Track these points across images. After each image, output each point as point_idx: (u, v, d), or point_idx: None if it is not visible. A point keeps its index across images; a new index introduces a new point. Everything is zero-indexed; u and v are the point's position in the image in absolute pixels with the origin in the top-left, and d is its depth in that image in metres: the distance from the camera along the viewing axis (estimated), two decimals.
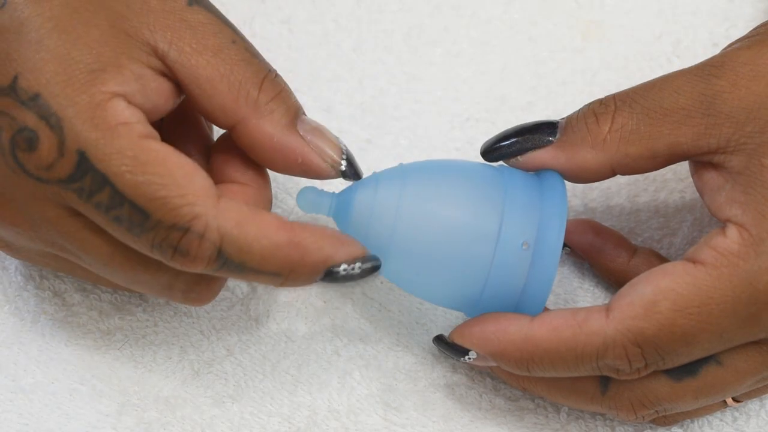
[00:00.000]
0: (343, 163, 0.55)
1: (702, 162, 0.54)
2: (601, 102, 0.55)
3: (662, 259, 0.61)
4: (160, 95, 0.53)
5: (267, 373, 0.61)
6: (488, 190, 0.54)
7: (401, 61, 0.66)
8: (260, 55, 0.54)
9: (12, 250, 0.56)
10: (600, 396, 0.56)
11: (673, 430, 0.60)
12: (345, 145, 0.55)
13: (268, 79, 0.54)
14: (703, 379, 0.54)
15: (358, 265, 0.54)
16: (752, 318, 0.52)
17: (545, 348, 0.53)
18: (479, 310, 0.55)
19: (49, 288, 0.62)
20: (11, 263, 0.62)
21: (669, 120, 0.53)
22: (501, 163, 0.57)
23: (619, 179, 0.64)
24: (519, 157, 0.56)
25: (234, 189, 0.55)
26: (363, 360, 0.61)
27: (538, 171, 0.56)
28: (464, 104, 0.66)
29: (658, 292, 0.52)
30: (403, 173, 0.55)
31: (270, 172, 0.56)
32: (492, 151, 0.56)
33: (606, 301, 0.57)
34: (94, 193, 0.50)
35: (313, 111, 0.64)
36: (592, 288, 0.63)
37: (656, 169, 0.55)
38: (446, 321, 0.62)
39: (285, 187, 0.64)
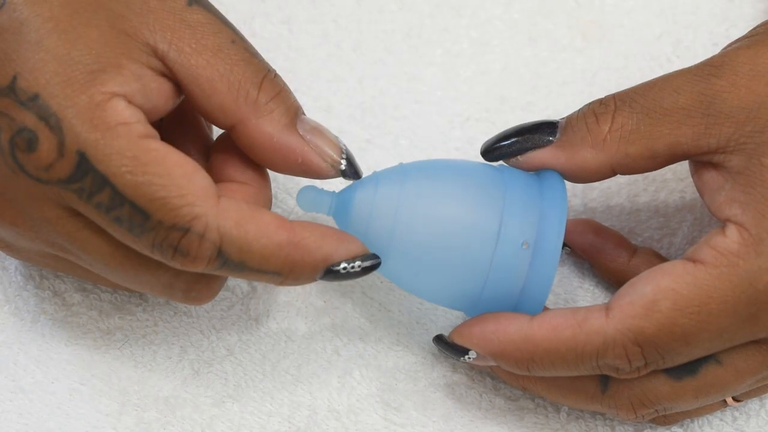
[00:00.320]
0: (343, 162, 0.55)
1: (702, 162, 0.54)
2: (601, 102, 0.55)
3: (662, 259, 0.61)
4: (160, 96, 0.53)
5: (267, 373, 0.61)
6: (488, 190, 0.54)
7: (401, 61, 0.66)
8: (260, 54, 0.54)
9: (12, 250, 0.56)
10: (600, 395, 0.56)
11: (673, 429, 0.60)
12: (345, 145, 0.55)
13: (267, 78, 0.54)
14: (702, 378, 0.54)
15: (358, 263, 0.54)
16: (752, 318, 0.52)
17: (545, 347, 0.53)
18: (479, 309, 0.55)
19: (49, 288, 0.62)
20: (11, 263, 0.62)
21: (669, 120, 0.53)
22: (501, 162, 0.57)
23: (619, 179, 0.64)
24: (519, 157, 0.56)
25: (234, 188, 0.55)
26: (363, 360, 0.61)
27: (538, 171, 0.56)
28: (464, 104, 0.66)
29: (658, 291, 0.52)
30: (403, 173, 0.55)
31: (270, 172, 0.56)
32: (492, 150, 0.56)
33: (606, 301, 0.57)
34: (94, 194, 0.50)
35: (313, 111, 0.64)
36: (592, 288, 0.63)
37: (656, 169, 0.55)
38: (446, 321, 0.62)
39: (285, 187, 0.64)
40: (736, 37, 0.56)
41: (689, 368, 0.54)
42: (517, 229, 0.54)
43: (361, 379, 0.61)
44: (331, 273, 0.53)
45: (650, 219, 0.64)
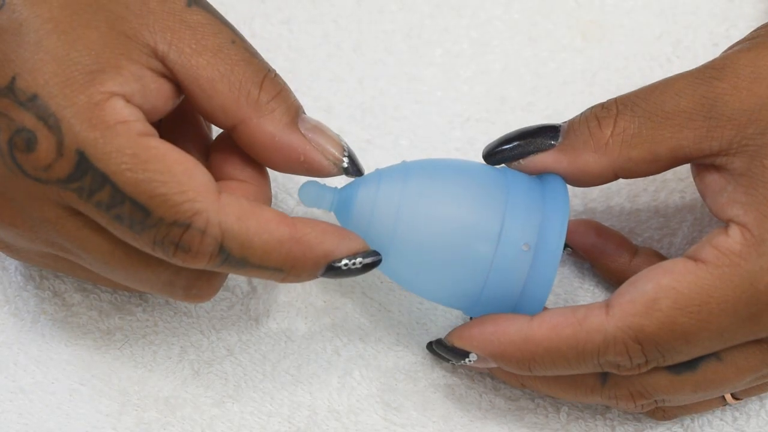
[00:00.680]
0: (345, 160, 0.55)
1: (704, 164, 0.54)
2: (603, 106, 0.55)
3: (663, 260, 0.60)
4: (160, 96, 0.53)
5: (267, 373, 0.61)
6: (491, 191, 0.54)
7: (401, 61, 0.66)
8: (259, 54, 0.54)
9: (12, 251, 0.56)
10: (600, 387, 0.56)
11: (673, 429, 0.60)
12: (346, 143, 0.55)
13: (268, 78, 0.54)
14: (702, 373, 0.54)
15: (359, 259, 0.54)
16: (753, 318, 0.52)
17: (546, 347, 0.53)
18: (478, 309, 0.55)
19: (49, 288, 0.62)
20: (11, 263, 0.62)
21: (671, 123, 0.53)
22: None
23: (620, 179, 0.64)
24: (521, 161, 0.56)
25: (234, 186, 0.55)
26: (363, 360, 0.61)
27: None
28: (464, 104, 0.66)
29: (659, 289, 0.52)
30: (405, 171, 0.55)
31: (270, 172, 0.56)
32: (494, 154, 0.56)
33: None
34: (94, 192, 0.50)
35: (313, 111, 0.64)
36: (592, 288, 0.63)
37: (658, 173, 0.55)
38: (446, 321, 0.62)
39: (285, 186, 0.64)
40: (737, 37, 0.56)
41: (689, 363, 0.54)
42: (519, 231, 0.54)
43: (361, 379, 0.61)
44: (332, 269, 0.53)
45: (650, 219, 0.64)
